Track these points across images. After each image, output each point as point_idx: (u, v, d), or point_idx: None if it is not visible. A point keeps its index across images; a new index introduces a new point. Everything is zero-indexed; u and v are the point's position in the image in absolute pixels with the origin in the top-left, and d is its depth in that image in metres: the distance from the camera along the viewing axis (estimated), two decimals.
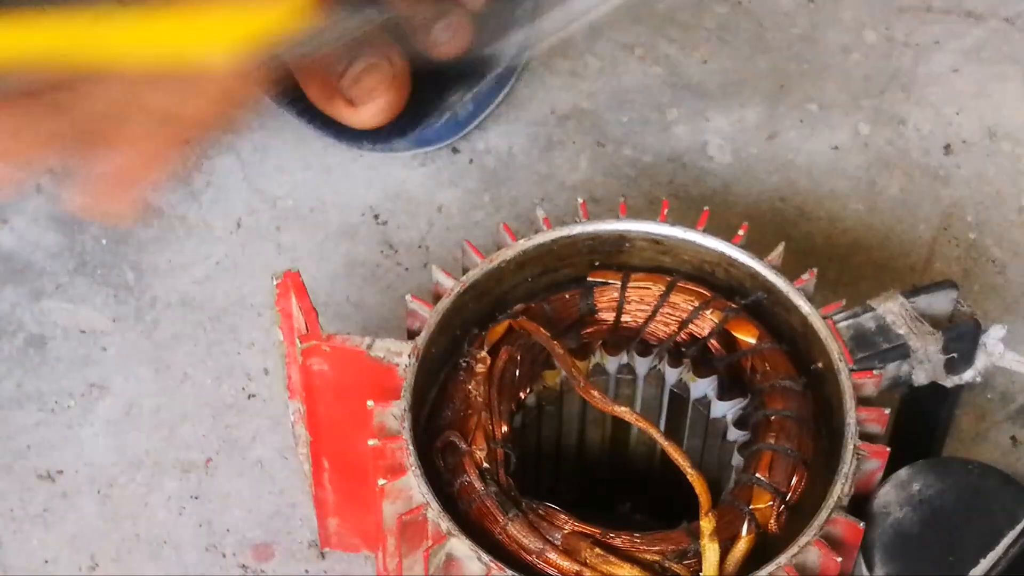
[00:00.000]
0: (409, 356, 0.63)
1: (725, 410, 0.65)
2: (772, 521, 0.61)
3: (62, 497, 0.77)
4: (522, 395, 0.65)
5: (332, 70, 0.74)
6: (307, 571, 0.75)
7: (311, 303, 0.64)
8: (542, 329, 0.64)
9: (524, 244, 0.66)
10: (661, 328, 0.66)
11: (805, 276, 0.64)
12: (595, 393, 0.62)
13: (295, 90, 0.77)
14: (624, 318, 0.66)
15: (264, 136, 0.81)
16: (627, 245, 0.67)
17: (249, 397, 0.78)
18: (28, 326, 0.79)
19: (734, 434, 0.65)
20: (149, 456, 0.77)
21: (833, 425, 0.63)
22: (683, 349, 0.66)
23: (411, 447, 0.61)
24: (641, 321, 0.66)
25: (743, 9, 0.79)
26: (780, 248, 0.65)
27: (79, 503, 0.77)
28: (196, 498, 0.77)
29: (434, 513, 0.60)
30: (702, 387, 0.66)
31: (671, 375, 0.66)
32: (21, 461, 0.78)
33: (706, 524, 0.59)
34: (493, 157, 0.80)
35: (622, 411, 0.61)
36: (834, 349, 0.63)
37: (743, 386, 0.65)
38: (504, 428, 0.63)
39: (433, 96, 0.76)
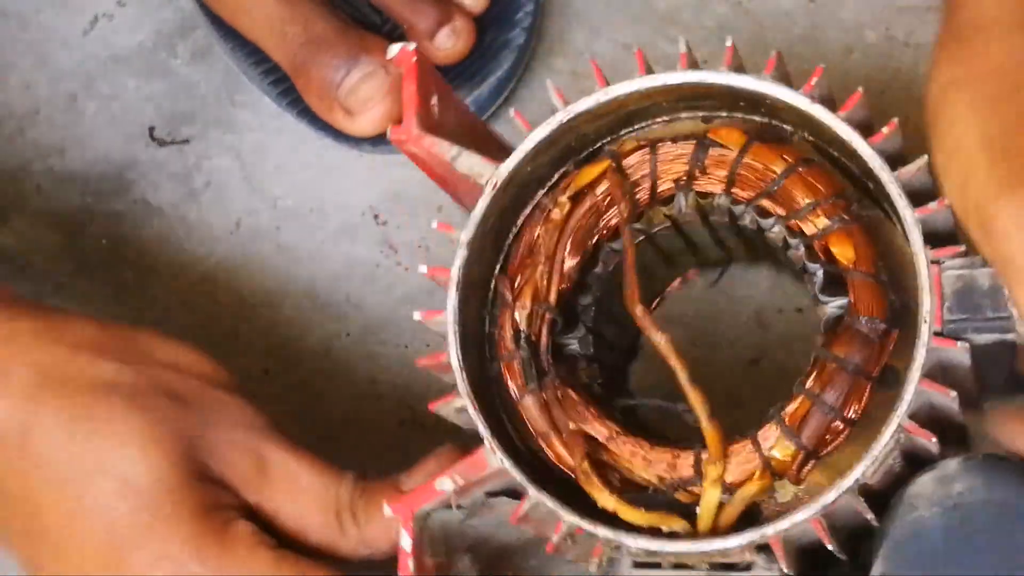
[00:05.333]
0: (487, 183, 0.61)
1: (826, 304, 0.62)
2: (790, 472, 0.59)
3: None
4: (591, 244, 0.63)
5: (330, 79, 0.74)
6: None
7: (416, 90, 0.61)
8: (621, 191, 0.61)
9: (648, 81, 0.62)
10: (767, 206, 0.62)
11: (933, 205, 0.58)
12: (639, 309, 0.59)
13: (295, 90, 0.77)
14: (733, 188, 0.63)
15: (264, 136, 0.81)
16: (763, 108, 0.62)
17: None
18: None
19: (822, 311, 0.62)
20: None
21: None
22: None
23: (456, 288, 0.60)
24: (750, 196, 0.62)
25: (743, 9, 0.79)
26: (920, 162, 0.59)
27: None
28: None
29: (455, 366, 0.60)
30: (813, 266, 0.62)
31: (789, 240, 0.63)
32: None
33: (712, 470, 0.58)
34: None
35: (658, 338, 0.58)
36: (925, 303, 0.57)
37: (845, 286, 0.60)
38: (561, 285, 0.62)
39: None
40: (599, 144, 0.65)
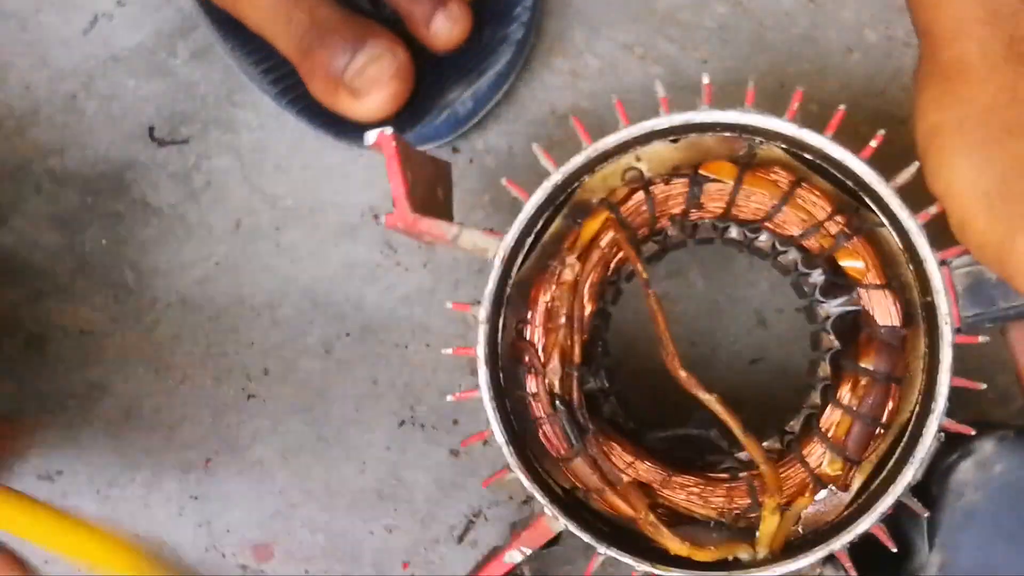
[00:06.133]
0: (494, 257, 0.62)
1: (829, 303, 0.63)
2: (840, 483, 0.61)
3: (62, 497, 0.77)
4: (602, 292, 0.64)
5: (336, 63, 0.74)
6: (307, 571, 0.75)
7: (403, 176, 0.62)
8: (630, 246, 0.61)
9: (636, 129, 0.63)
10: (770, 227, 0.64)
11: (932, 209, 0.60)
12: (683, 374, 0.59)
13: (295, 89, 0.77)
14: (730, 217, 0.64)
15: (264, 136, 0.81)
16: (739, 129, 0.63)
17: (249, 397, 0.78)
18: (28, 326, 0.79)
19: (829, 311, 0.63)
20: (149, 456, 0.77)
21: (932, 368, 0.60)
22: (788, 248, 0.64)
23: (485, 368, 0.61)
24: (751, 219, 0.63)
25: (743, 9, 0.79)
26: (913, 168, 0.61)
27: (79, 503, 0.77)
28: (196, 498, 0.77)
29: (501, 443, 0.61)
30: (809, 270, 0.64)
31: (778, 247, 0.64)
32: (21, 461, 0.78)
33: (770, 502, 0.60)
34: (493, 157, 0.80)
35: (707, 398, 0.60)
36: (943, 306, 0.59)
37: (849, 287, 0.62)
38: (584, 339, 0.62)
39: (433, 93, 0.76)
40: (577, 182, 0.66)
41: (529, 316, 0.63)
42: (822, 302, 0.64)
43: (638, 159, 0.64)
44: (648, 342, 0.73)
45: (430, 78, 0.76)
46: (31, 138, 0.82)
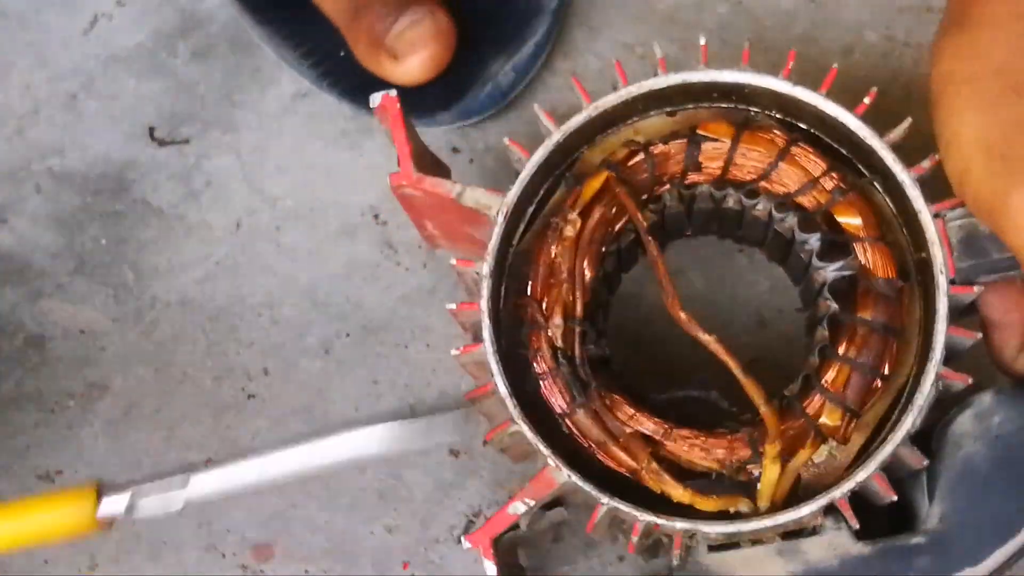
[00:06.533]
0: (497, 214, 0.63)
1: (826, 267, 0.64)
2: (839, 435, 0.61)
3: None
4: (603, 251, 0.65)
5: (380, 27, 0.75)
6: (307, 571, 0.75)
7: (406, 136, 0.63)
8: (629, 198, 0.63)
9: (635, 89, 0.64)
10: (765, 188, 0.65)
11: (925, 163, 0.62)
12: (683, 315, 0.61)
13: (335, 71, 0.78)
14: (728, 178, 0.65)
15: (264, 136, 0.81)
16: (735, 96, 0.65)
17: (249, 397, 0.78)
18: (28, 326, 0.79)
19: (826, 277, 0.64)
20: (149, 456, 0.77)
21: (927, 325, 0.61)
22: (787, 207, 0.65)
23: (488, 320, 0.62)
24: (748, 179, 0.65)
25: (743, 9, 0.79)
26: (906, 124, 0.63)
27: None
28: None
29: (504, 395, 0.61)
30: (805, 235, 0.65)
31: (775, 214, 0.65)
32: (21, 461, 0.78)
33: (771, 449, 0.61)
34: (493, 157, 0.80)
35: (707, 339, 0.61)
36: (938, 256, 0.60)
37: (845, 249, 0.63)
38: (586, 299, 0.63)
39: (474, 67, 0.77)
40: (578, 152, 0.66)
41: (531, 275, 0.64)
42: (819, 267, 0.65)
43: (636, 132, 0.65)
44: (648, 309, 0.74)
45: (470, 51, 0.77)
46: (31, 138, 0.82)
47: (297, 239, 0.80)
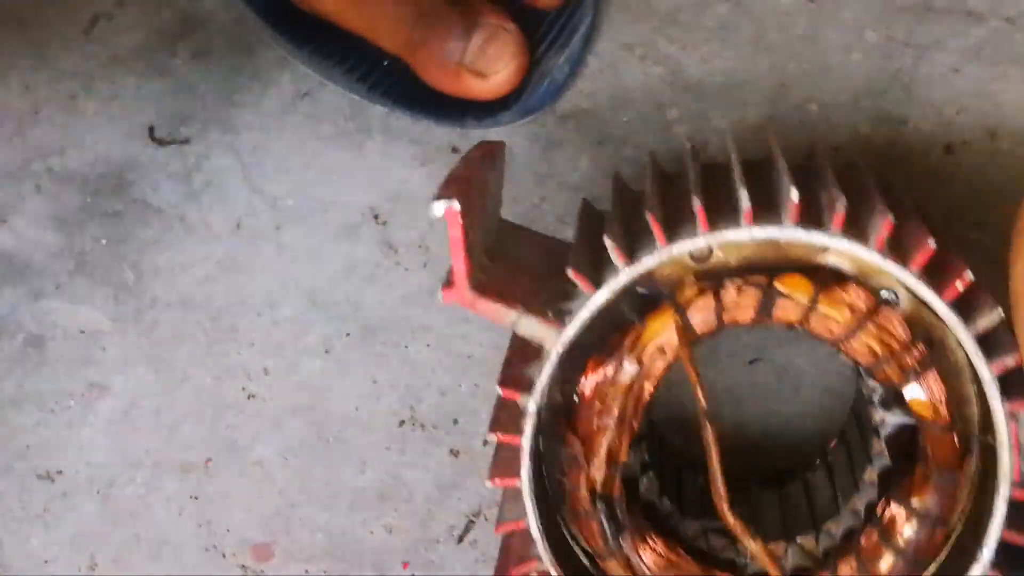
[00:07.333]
0: (552, 352, 0.59)
1: (885, 413, 0.62)
2: None
3: (62, 497, 0.77)
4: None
5: (451, 47, 0.74)
6: (307, 571, 0.75)
7: (466, 251, 0.58)
8: (691, 363, 0.59)
9: (711, 238, 0.58)
10: (841, 348, 0.61)
11: (1009, 361, 0.57)
12: (732, 520, 0.58)
13: (384, 81, 0.78)
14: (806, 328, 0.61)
15: (264, 136, 0.81)
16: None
17: (249, 397, 0.78)
18: (28, 326, 0.79)
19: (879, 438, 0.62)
20: (149, 456, 0.77)
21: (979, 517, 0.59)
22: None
23: (528, 460, 0.60)
24: (822, 337, 0.60)
25: (743, 9, 0.79)
26: (996, 316, 0.58)
27: (79, 503, 0.77)
28: (196, 498, 0.77)
29: (536, 537, 0.60)
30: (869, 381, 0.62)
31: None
32: (21, 461, 0.78)
33: None
34: None
35: (754, 547, 0.59)
36: (1005, 461, 0.57)
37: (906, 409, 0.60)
38: (632, 438, 0.60)
39: (531, 64, 0.77)
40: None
41: (575, 400, 0.61)
42: (877, 409, 0.62)
43: (719, 245, 0.60)
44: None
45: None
46: (31, 138, 0.82)
47: (297, 239, 0.80)
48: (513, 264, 0.62)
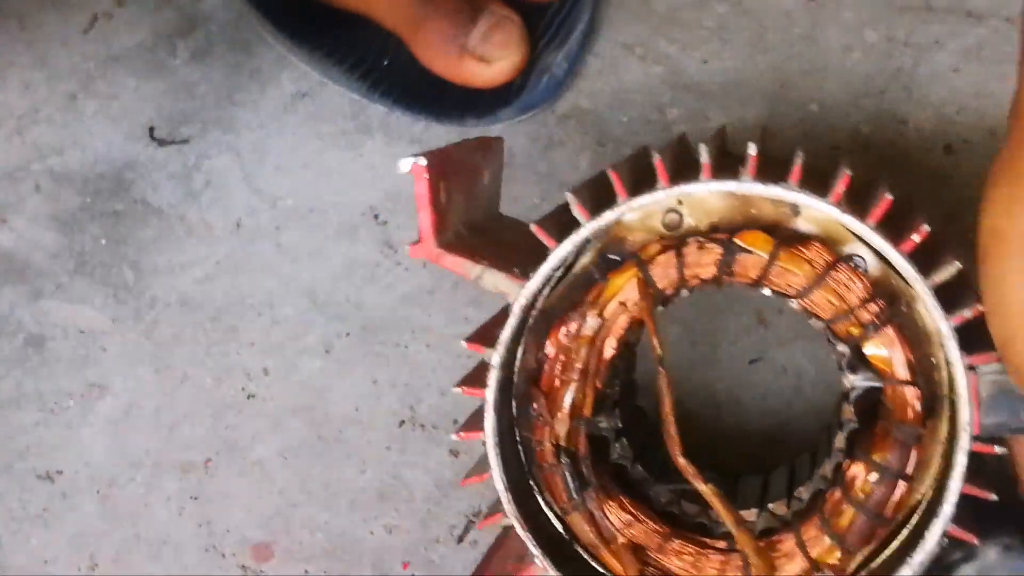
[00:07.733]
0: (515, 304, 0.60)
1: (852, 377, 0.61)
2: (836, 570, 0.60)
3: (62, 497, 0.77)
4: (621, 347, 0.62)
5: (454, 30, 0.74)
6: (307, 571, 0.75)
7: (432, 207, 0.59)
8: (650, 314, 0.59)
9: (672, 191, 0.59)
10: (802, 305, 0.61)
11: (967, 313, 0.57)
12: (682, 462, 0.58)
13: (385, 80, 0.78)
14: (764, 290, 0.61)
15: (264, 136, 0.81)
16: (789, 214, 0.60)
17: (249, 397, 0.78)
18: (28, 326, 0.79)
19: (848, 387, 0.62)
20: (149, 456, 0.77)
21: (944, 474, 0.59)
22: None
23: (492, 412, 0.60)
24: (783, 293, 0.61)
25: (743, 9, 0.79)
26: (953, 269, 0.58)
27: (79, 503, 0.77)
28: (196, 498, 0.77)
29: (500, 490, 0.61)
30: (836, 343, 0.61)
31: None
32: (21, 461, 0.78)
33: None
34: None
35: (703, 489, 0.59)
36: (964, 413, 0.57)
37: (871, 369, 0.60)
38: (596, 394, 0.61)
39: (531, 60, 0.77)
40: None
41: (544, 360, 0.61)
42: (846, 375, 0.62)
43: (680, 202, 0.61)
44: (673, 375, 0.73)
45: None
46: (31, 138, 0.82)
47: (297, 239, 0.80)
48: (495, 239, 0.63)
